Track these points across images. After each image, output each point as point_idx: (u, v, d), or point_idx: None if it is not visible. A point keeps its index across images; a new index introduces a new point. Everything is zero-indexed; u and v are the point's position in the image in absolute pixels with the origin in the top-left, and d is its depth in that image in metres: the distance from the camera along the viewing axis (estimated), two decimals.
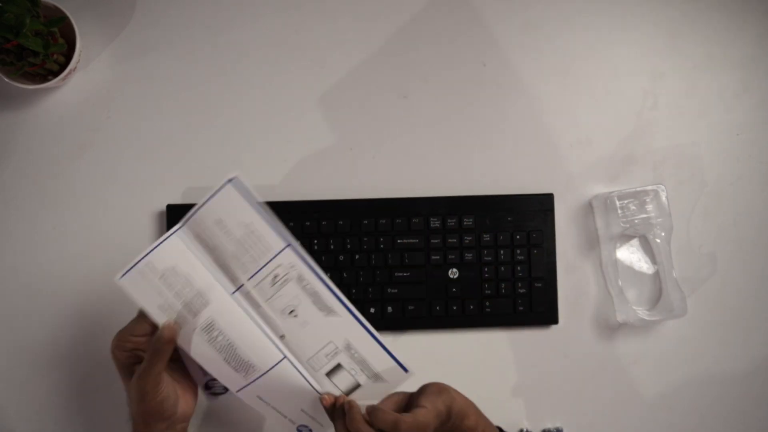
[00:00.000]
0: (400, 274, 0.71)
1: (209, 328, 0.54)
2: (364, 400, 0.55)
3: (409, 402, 0.56)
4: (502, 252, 0.72)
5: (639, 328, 0.73)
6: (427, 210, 0.72)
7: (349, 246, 0.71)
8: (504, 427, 0.73)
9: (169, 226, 0.71)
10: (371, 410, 0.52)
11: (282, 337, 0.56)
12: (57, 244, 0.72)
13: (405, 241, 0.71)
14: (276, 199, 0.72)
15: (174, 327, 0.53)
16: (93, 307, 0.72)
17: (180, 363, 0.58)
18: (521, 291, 0.72)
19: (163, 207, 0.71)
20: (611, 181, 0.74)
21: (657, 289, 0.74)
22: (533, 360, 0.73)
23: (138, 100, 0.73)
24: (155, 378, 0.52)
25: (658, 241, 0.72)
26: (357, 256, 0.71)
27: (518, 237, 0.72)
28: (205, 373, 0.57)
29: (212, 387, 0.60)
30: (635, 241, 0.74)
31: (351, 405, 0.53)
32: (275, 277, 0.54)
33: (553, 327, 0.73)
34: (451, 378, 0.72)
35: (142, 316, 0.54)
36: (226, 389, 0.58)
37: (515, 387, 0.73)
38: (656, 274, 0.73)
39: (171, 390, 0.55)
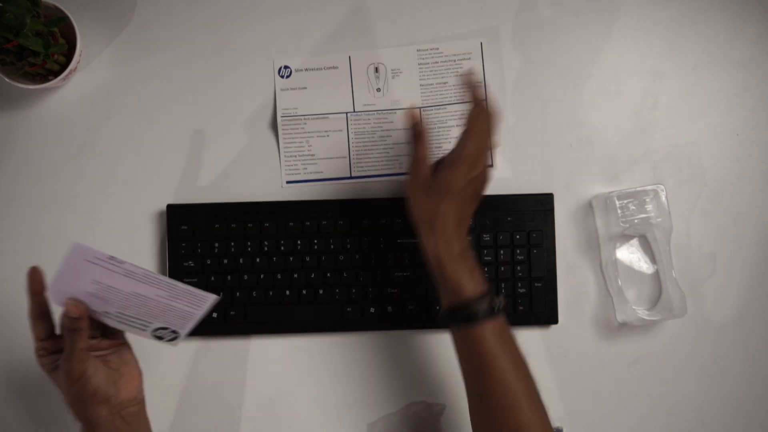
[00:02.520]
0: (400, 274, 0.71)
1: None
2: None
3: None
4: (502, 252, 0.72)
5: (639, 328, 0.73)
6: None
7: (349, 246, 0.71)
8: None
9: (170, 226, 0.71)
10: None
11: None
12: (57, 244, 0.72)
13: (405, 241, 0.71)
14: (276, 199, 0.72)
15: (77, 303, 0.53)
16: None
17: (115, 349, 0.59)
18: (521, 291, 0.72)
19: (163, 207, 0.72)
20: (611, 181, 0.74)
21: (657, 289, 0.74)
22: (533, 360, 0.72)
23: (138, 100, 0.73)
24: (79, 357, 0.52)
25: (658, 241, 0.72)
26: (357, 256, 0.71)
27: (518, 237, 0.72)
28: (144, 326, 0.58)
29: (162, 337, 0.60)
30: (635, 241, 0.74)
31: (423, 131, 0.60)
32: None
33: (553, 327, 0.73)
34: (451, 378, 0.72)
35: (33, 321, 0.55)
36: (176, 334, 0.59)
37: None
38: (656, 274, 0.73)
39: (102, 371, 0.55)
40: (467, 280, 0.55)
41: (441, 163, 0.59)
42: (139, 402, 0.58)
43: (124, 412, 0.56)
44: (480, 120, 0.58)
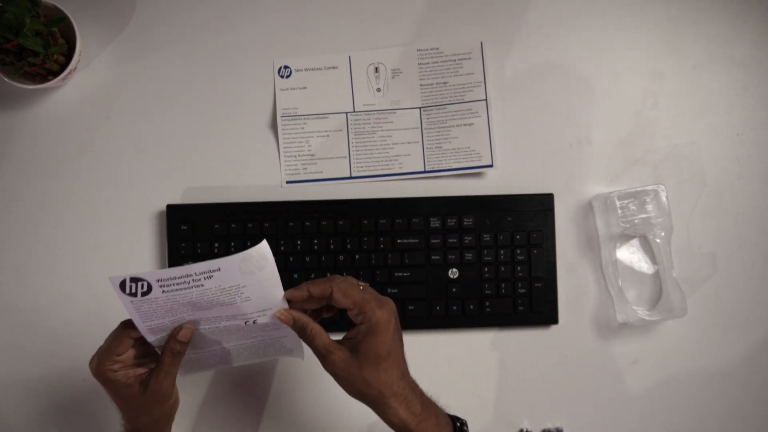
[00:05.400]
0: (400, 274, 0.71)
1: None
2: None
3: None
4: (502, 252, 0.72)
5: (639, 328, 0.73)
6: (427, 210, 0.72)
7: (349, 246, 0.71)
8: (504, 427, 0.73)
9: (169, 226, 0.71)
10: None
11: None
12: (57, 244, 0.72)
13: (405, 241, 0.71)
14: (277, 199, 0.72)
15: (190, 328, 0.53)
16: (93, 306, 0.72)
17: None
18: (521, 291, 0.72)
19: (163, 207, 0.72)
20: (611, 181, 0.74)
21: (657, 289, 0.74)
22: (533, 360, 0.73)
23: (138, 100, 0.73)
24: (172, 380, 0.53)
25: (658, 241, 0.72)
26: (357, 256, 0.71)
27: (518, 237, 0.72)
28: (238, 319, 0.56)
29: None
30: (635, 241, 0.74)
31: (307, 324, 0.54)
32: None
33: (553, 327, 0.73)
34: (452, 378, 0.72)
35: (120, 333, 0.53)
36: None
37: (515, 387, 0.73)
38: (656, 274, 0.73)
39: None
40: (439, 427, 0.54)
41: (351, 339, 0.54)
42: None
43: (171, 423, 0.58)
44: (354, 294, 0.53)
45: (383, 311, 0.52)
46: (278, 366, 0.72)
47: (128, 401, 0.54)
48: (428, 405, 0.55)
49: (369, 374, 0.52)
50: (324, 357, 0.53)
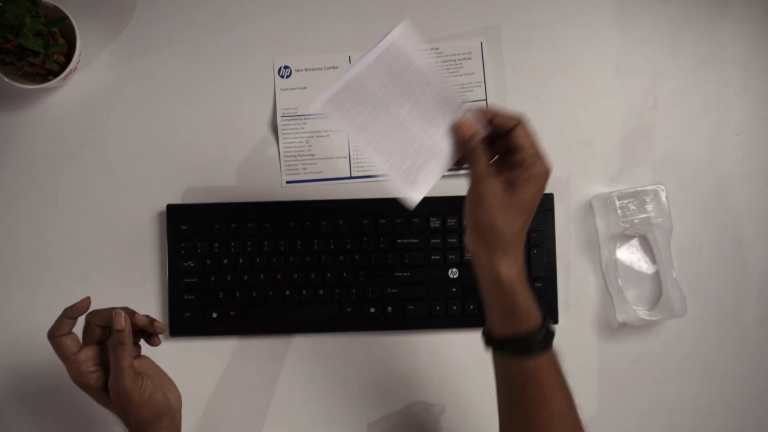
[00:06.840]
0: (400, 274, 0.71)
1: None
2: None
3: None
4: None
5: (639, 328, 0.73)
6: (427, 210, 0.72)
7: (349, 246, 0.71)
8: None
9: (169, 226, 0.71)
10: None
11: None
12: (57, 244, 0.72)
13: (405, 241, 0.71)
14: (276, 199, 0.72)
15: (123, 313, 0.53)
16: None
17: (146, 360, 0.59)
18: None
19: (163, 207, 0.72)
20: (611, 181, 0.74)
21: (657, 289, 0.74)
22: None
23: (138, 100, 0.73)
24: (129, 373, 0.52)
25: (658, 241, 0.72)
26: (357, 256, 0.71)
27: None
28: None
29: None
30: (635, 241, 0.74)
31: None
32: None
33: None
34: (452, 378, 0.72)
35: (60, 320, 0.54)
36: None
37: None
38: (656, 274, 0.73)
39: (152, 382, 0.55)
40: (535, 309, 0.51)
41: (511, 181, 0.51)
42: (180, 409, 0.59)
43: (177, 419, 0.57)
44: (533, 138, 0.51)
45: (548, 168, 0.51)
46: (279, 366, 0.72)
47: (107, 405, 0.54)
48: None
49: (511, 216, 0.50)
50: (481, 178, 0.50)
